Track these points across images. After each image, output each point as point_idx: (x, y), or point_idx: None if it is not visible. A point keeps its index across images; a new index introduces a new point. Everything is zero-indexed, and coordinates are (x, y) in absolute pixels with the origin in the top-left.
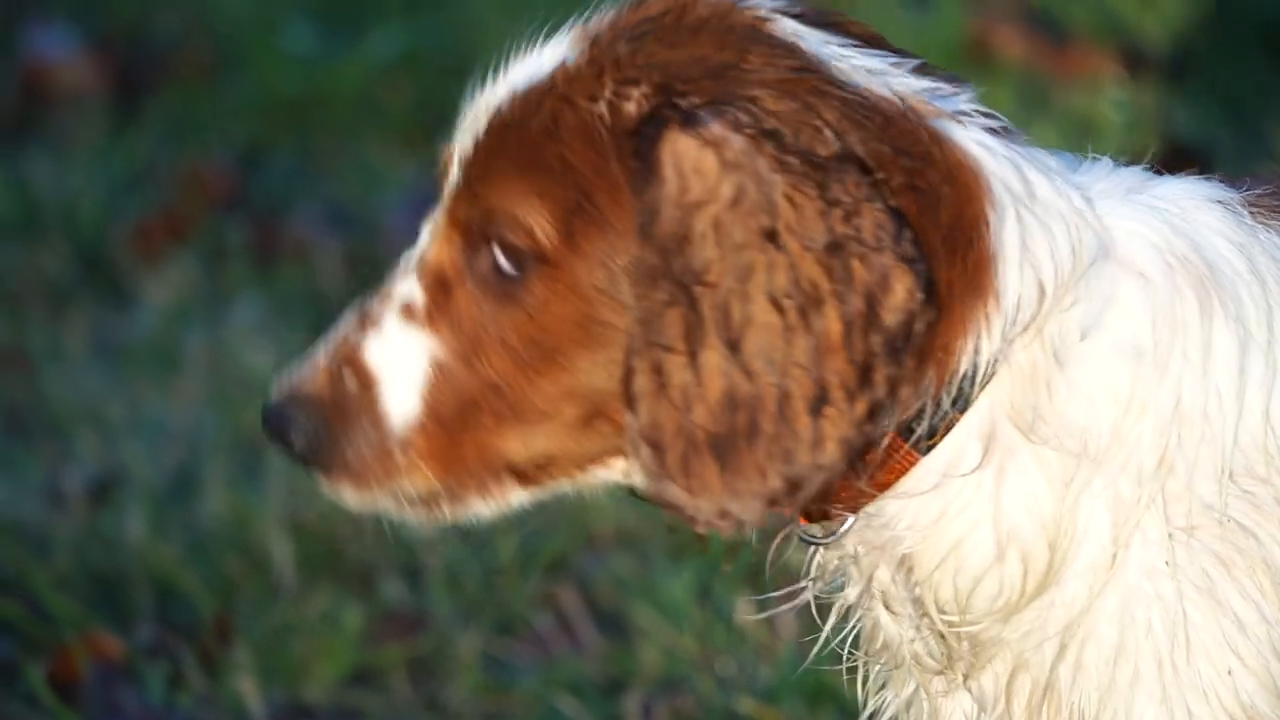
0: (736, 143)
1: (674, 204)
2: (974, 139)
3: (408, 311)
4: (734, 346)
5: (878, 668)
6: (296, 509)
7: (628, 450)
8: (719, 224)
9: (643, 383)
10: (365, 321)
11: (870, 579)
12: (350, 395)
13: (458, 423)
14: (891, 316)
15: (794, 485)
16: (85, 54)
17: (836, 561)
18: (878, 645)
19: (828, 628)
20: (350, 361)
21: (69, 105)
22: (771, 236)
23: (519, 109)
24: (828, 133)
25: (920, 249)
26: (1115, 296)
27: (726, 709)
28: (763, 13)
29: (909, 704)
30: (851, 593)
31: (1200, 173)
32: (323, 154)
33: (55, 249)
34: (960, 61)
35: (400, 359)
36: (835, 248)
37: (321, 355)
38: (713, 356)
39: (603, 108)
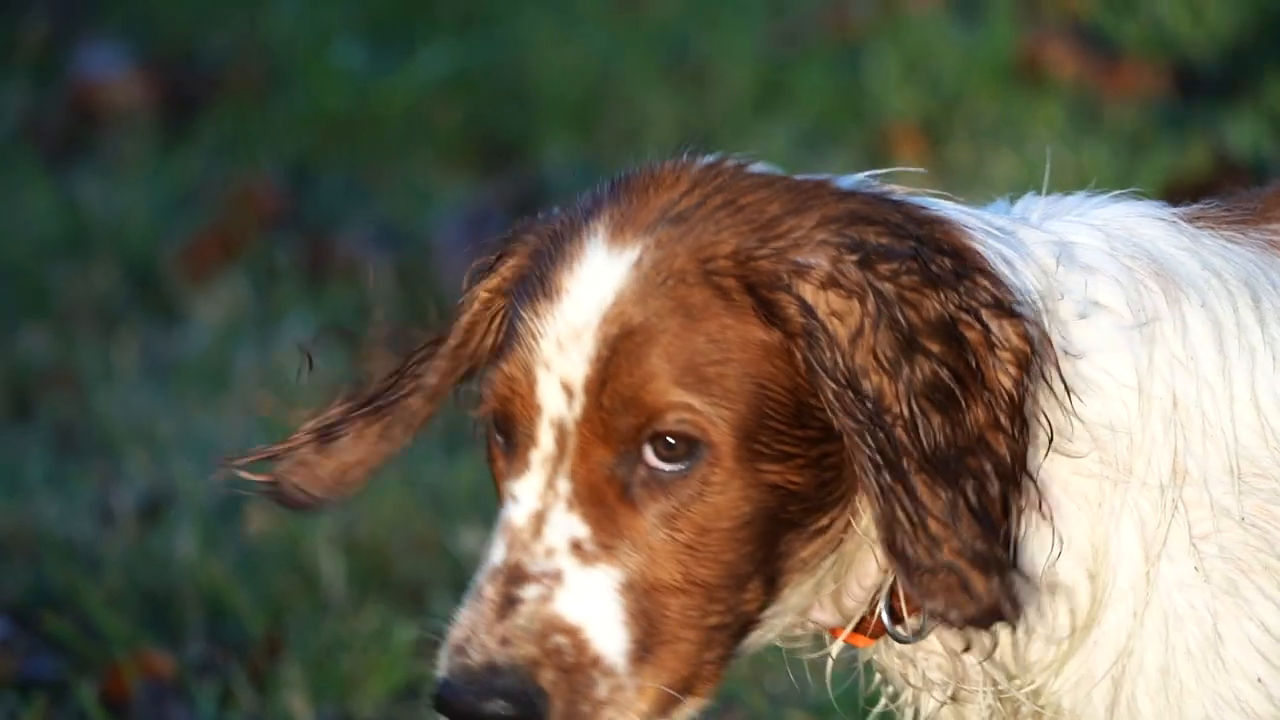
0: (851, 272)
1: (835, 352)
2: (949, 207)
3: (578, 550)
4: (926, 457)
5: None
6: (347, 526)
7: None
8: (871, 351)
9: (885, 514)
10: (543, 580)
11: (921, 667)
12: (565, 652)
13: (658, 635)
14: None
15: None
16: (135, 72)
17: (897, 660)
18: (924, 715)
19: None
20: (553, 624)
21: (119, 124)
22: (911, 342)
23: (634, 313)
24: (891, 233)
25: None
26: (1090, 288)
27: None
28: (755, 165)
29: None
30: (899, 690)
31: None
32: (373, 171)
33: (105, 267)
34: (1011, 79)
35: (595, 601)
36: (954, 323)
37: (493, 627)
38: (919, 477)
39: (727, 281)
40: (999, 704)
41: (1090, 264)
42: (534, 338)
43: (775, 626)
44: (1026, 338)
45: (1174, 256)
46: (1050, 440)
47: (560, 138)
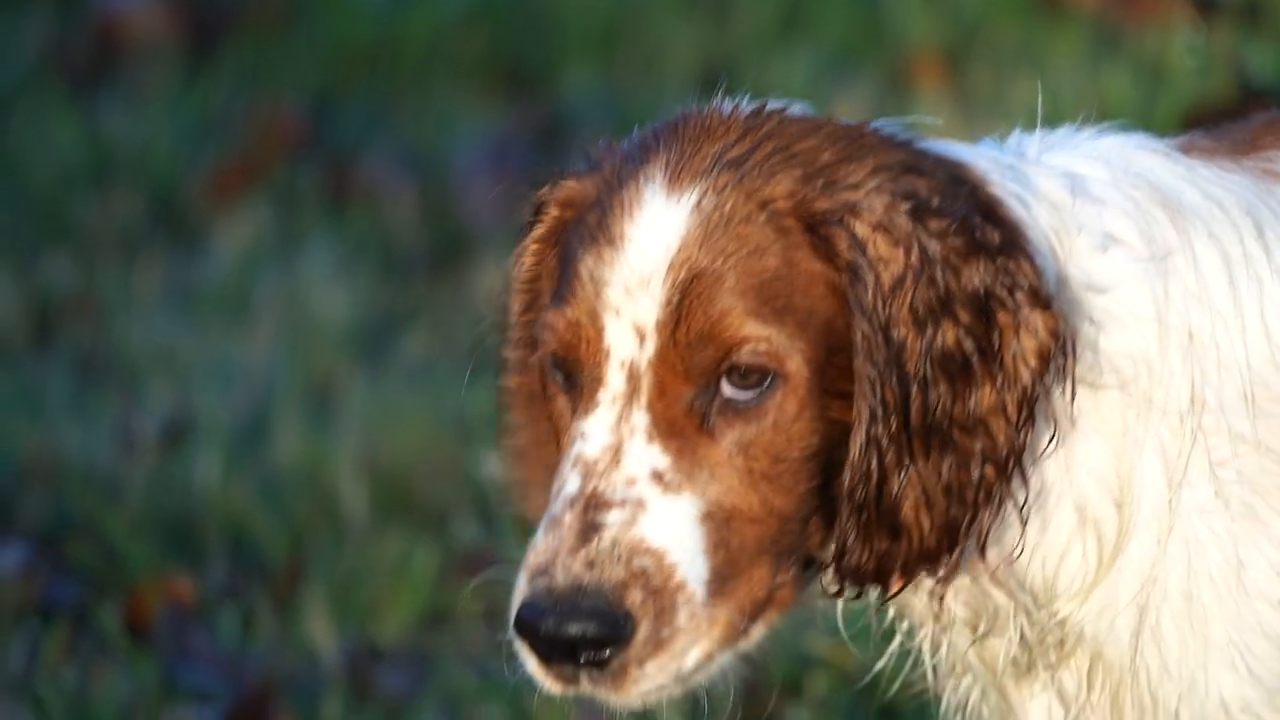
0: (901, 220)
1: (875, 296)
2: (962, 150)
3: (660, 480)
4: (923, 421)
5: (944, 666)
6: (368, 451)
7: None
8: (907, 304)
9: (859, 461)
10: (625, 506)
11: (949, 604)
12: (651, 575)
13: (736, 564)
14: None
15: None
16: (158, 2)
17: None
18: (942, 653)
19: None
20: (638, 547)
21: (142, 54)
22: (944, 305)
23: (701, 256)
24: (942, 191)
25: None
26: (1105, 222)
27: (797, 650)
28: (795, 107)
29: (983, 695)
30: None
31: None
32: (394, 99)
33: (128, 195)
34: (1031, 7)
35: (678, 528)
36: (988, 298)
37: (576, 551)
38: (912, 436)
39: (786, 221)
40: (1023, 639)
41: (1100, 196)
42: (598, 284)
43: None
44: (1055, 333)
45: (1175, 187)
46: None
47: (581, 66)
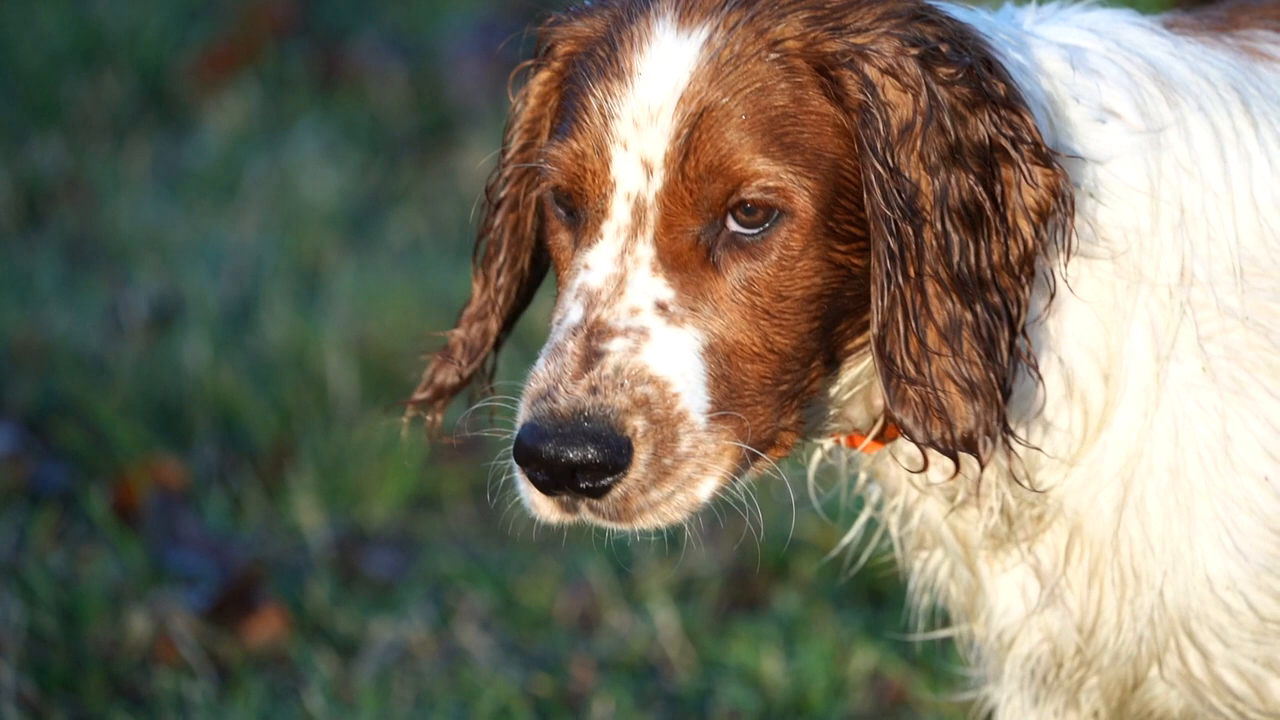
0: (910, 66)
1: (886, 138)
2: (963, 13)
3: (664, 311)
4: (947, 269)
5: (913, 540)
6: (357, 333)
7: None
8: (917, 149)
9: (886, 310)
10: (629, 334)
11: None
12: (653, 403)
13: (738, 399)
14: (1038, 211)
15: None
16: None
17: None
18: (913, 524)
19: (862, 519)
20: (641, 374)
21: None
22: (955, 152)
23: (711, 91)
24: (950, 40)
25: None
26: (1101, 93)
27: (782, 534)
28: None
29: (952, 572)
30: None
31: None
32: None
33: (117, 79)
34: None
35: (681, 359)
36: (992, 149)
37: (579, 377)
38: (933, 284)
39: (796, 61)
40: (1003, 510)
41: (1097, 69)
42: (606, 117)
43: (826, 412)
44: (1054, 190)
45: (1166, 62)
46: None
47: None
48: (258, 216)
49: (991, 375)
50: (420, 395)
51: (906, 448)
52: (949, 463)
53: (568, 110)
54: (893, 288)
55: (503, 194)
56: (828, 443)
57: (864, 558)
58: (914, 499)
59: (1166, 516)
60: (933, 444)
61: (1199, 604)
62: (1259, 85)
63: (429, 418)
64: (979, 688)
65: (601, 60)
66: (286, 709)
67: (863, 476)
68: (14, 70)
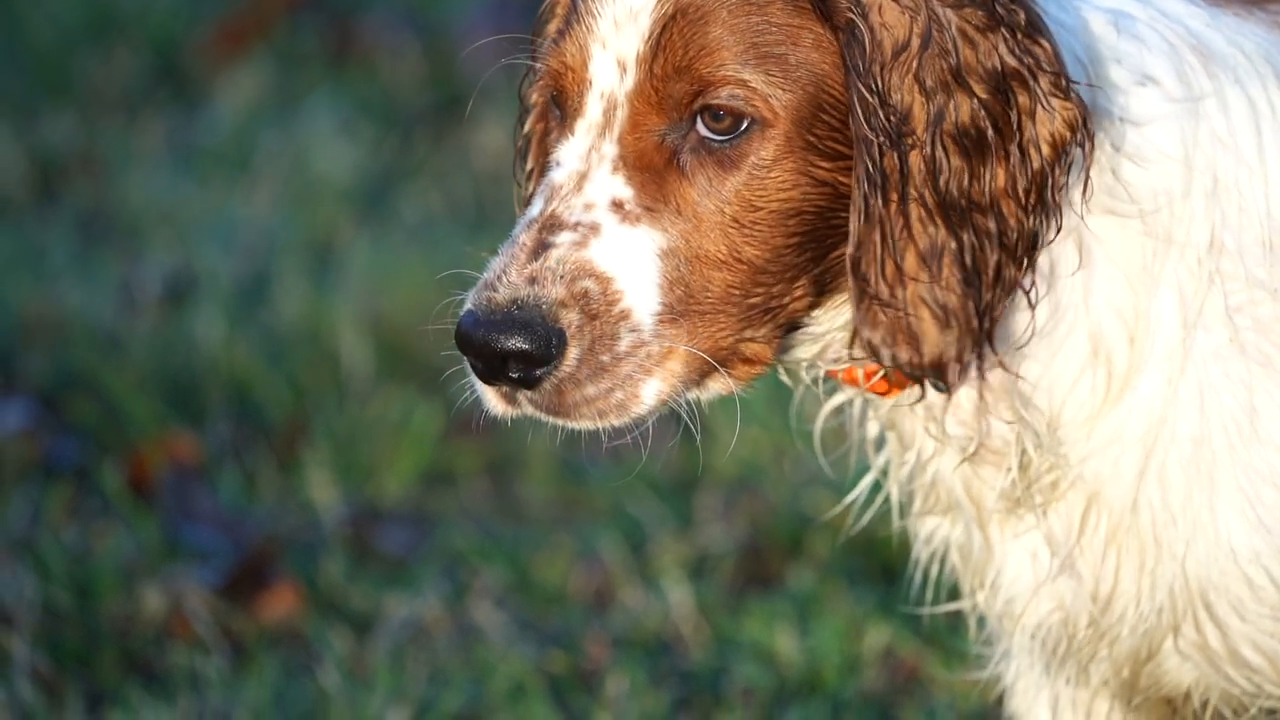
0: None
1: (873, 59)
2: None
3: (619, 209)
4: (934, 194)
5: (920, 501)
6: (370, 309)
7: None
8: (912, 71)
9: (863, 231)
10: (578, 229)
11: (942, 420)
12: (592, 298)
13: (695, 305)
14: (1056, 144)
15: (983, 322)
16: None
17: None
18: (926, 480)
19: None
20: (583, 269)
21: None
22: (956, 76)
23: None
24: None
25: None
26: (1144, 58)
27: (797, 510)
28: None
29: (960, 542)
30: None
31: None
32: None
33: (130, 53)
34: None
35: (631, 257)
36: (1006, 77)
37: (523, 268)
38: (916, 208)
39: None
40: (1020, 470)
41: (1139, 35)
42: (592, 17)
43: (821, 338)
44: (1072, 123)
45: (1203, 32)
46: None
47: None
48: (271, 192)
49: (970, 303)
50: None
51: (928, 397)
52: (965, 414)
53: (566, 15)
54: (870, 209)
55: (532, 101)
56: (839, 396)
57: (867, 517)
58: (929, 453)
59: (1189, 486)
60: (898, 366)
61: (1220, 576)
62: None
63: None
64: (992, 665)
65: None
66: (300, 685)
67: (873, 430)
68: (26, 45)
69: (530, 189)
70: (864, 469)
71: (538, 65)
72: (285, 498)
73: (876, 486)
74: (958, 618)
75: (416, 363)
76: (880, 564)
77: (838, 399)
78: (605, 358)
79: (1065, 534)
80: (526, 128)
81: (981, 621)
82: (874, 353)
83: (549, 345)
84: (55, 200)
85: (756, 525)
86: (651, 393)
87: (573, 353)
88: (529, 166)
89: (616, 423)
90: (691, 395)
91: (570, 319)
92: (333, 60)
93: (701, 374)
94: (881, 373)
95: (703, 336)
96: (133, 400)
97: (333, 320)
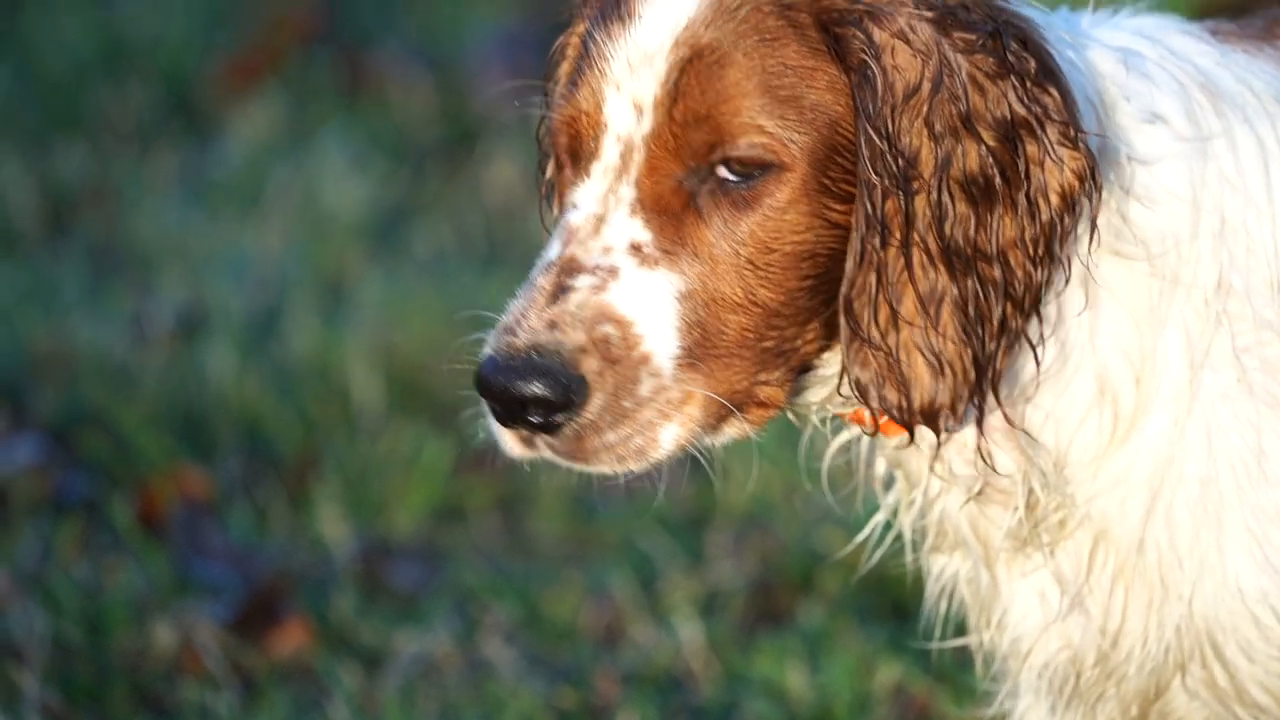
0: (923, 31)
1: (884, 102)
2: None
3: (637, 252)
4: (938, 241)
5: (930, 537)
6: (381, 344)
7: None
8: (922, 115)
9: (858, 273)
10: (597, 272)
11: (949, 460)
12: (612, 343)
13: (712, 348)
14: (1063, 195)
15: (982, 374)
16: None
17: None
18: (933, 518)
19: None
20: (603, 313)
21: None
22: (965, 122)
23: (707, 36)
24: (974, 6)
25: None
26: (1153, 97)
27: (808, 547)
28: None
29: (969, 579)
30: (918, 483)
31: None
32: None
33: (142, 85)
34: None
35: (650, 301)
36: (1015, 125)
37: (542, 312)
38: (918, 253)
39: (800, 15)
40: (1027, 510)
41: (1149, 74)
42: (605, 60)
43: (830, 381)
44: (1080, 174)
45: (1213, 71)
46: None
47: None
48: (282, 226)
49: (968, 351)
50: None
51: (930, 435)
52: (970, 453)
53: (579, 55)
54: (866, 251)
55: (548, 146)
56: (845, 434)
57: (877, 557)
58: (936, 492)
59: (1196, 527)
60: (886, 409)
61: (1228, 616)
62: None
63: None
64: (998, 702)
65: (610, 6)
66: None
67: (881, 468)
68: (38, 77)
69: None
70: (874, 507)
71: (552, 110)
72: (296, 533)
73: (887, 524)
74: (967, 654)
75: (427, 398)
76: (891, 601)
77: (844, 437)
78: (627, 403)
79: (1074, 572)
80: (548, 174)
81: (989, 657)
82: (863, 393)
83: (569, 391)
84: (66, 233)
85: (767, 562)
86: (670, 438)
87: (596, 399)
88: (555, 213)
89: (634, 468)
90: (708, 440)
91: (591, 365)
92: (345, 94)
93: (719, 418)
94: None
95: (719, 380)
96: (143, 435)
97: (343, 355)
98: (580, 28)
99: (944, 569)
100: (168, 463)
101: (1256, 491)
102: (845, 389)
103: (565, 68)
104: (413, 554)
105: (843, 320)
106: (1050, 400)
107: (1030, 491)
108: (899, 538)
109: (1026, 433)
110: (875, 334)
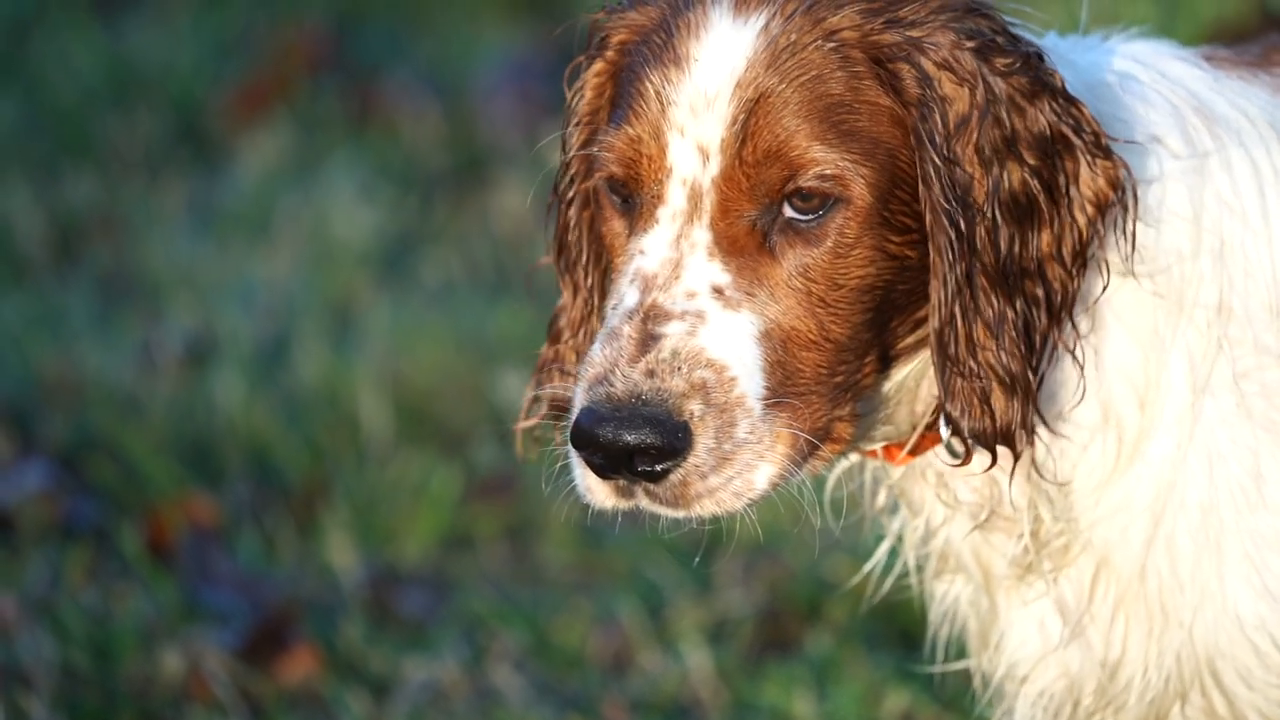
0: (967, 60)
1: (944, 132)
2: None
3: (720, 295)
4: (995, 263)
5: (934, 563)
6: (389, 372)
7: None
8: (973, 143)
9: (948, 303)
10: (685, 318)
11: (954, 488)
12: (710, 387)
13: (793, 387)
14: (1101, 201)
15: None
16: None
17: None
18: (935, 545)
19: (884, 546)
20: (698, 358)
21: None
22: (1010, 145)
23: (768, 78)
24: (1006, 33)
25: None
26: (1150, 119)
27: (815, 575)
28: None
29: (973, 601)
30: (921, 513)
31: None
32: (416, 19)
33: (150, 115)
34: None
35: (738, 343)
36: (1053, 141)
37: (636, 360)
38: (981, 278)
39: (852, 52)
40: (1033, 535)
41: (1144, 96)
42: (663, 103)
43: (878, 413)
44: (1114, 182)
45: (1207, 96)
46: (1108, 275)
47: None
48: (291, 254)
49: (1029, 369)
50: (541, 416)
51: (937, 463)
52: (976, 480)
53: (623, 98)
54: (954, 281)
55: (572, 192)
56: (845, 462)
57: (887, 585)
58: (939, 520)
59: (1197, 554)
60: (976, 436)
61: (1227, 643)
62: None
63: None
64: None
65: (658, 47)
66: None
67: (882, 498)
68: (48, 106)
69: (588, 278)
70: (881, 536)
71: (596, 153)
72: (304, 560)
73: (894, 552)
74: (971, 678)
75: (436, 426)
76: (899, 629)
77: (845, 464)
78: (727, 446)
79: (1076, 600)
80: (571, 219)
81: (986, 680)
82: (953, 423)
83: (676, 438)
84: (75, 261)
85: (775, 590)
86: (764, 477)
87: (702, 444)
88: (576, 255)
89: (733, 510)
90: (797, 477)
91: (692, 410)
92: (353, 123)
93: (804, 455)
94: (911, 445)
95: (804, 417)
96: (152, 462)
97: (352, 383)
98: (600, 67)
99: (947, 593)
100: (176, 490)
101: (1255, 517)
102: (942, 428)
103: (587, 108)
104: (421, 581)
105: (935, 353)
106: (1057, 396)
107: (1037, 518)
108: (906, 565)
109: (1065, 438)
110: (967, 361)
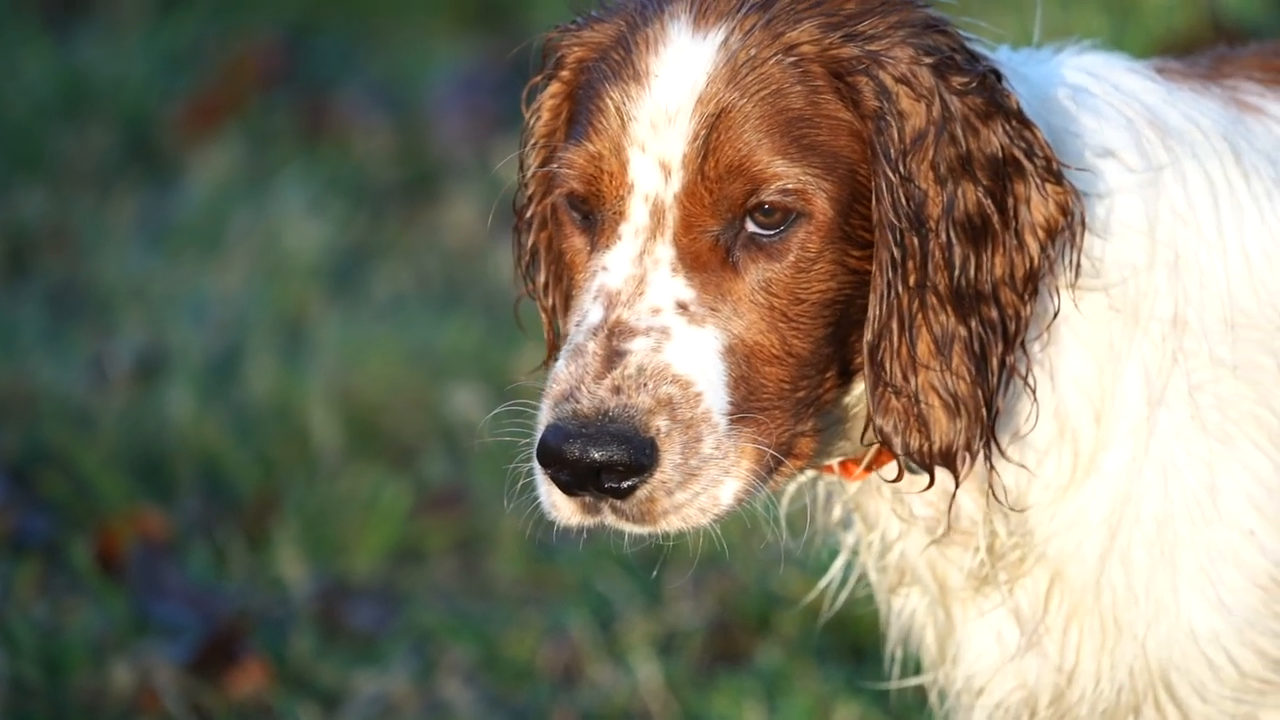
0: (925, 76)
1: (900, 146)
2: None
3: (684, 310)
4: (947, 282)
5: (890, 578)
6: (340, 386)
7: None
8: (928, 159)
9: (883, 318)
10: (650, 334)
11: (910, 503)
12: (676, 403)
13: (756, 402)
14: (1051, 227)
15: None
16: None
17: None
18: (891, 559)
19: (838, 564)
20: (664, 374)
21: None
22: (964, 164)
23: (728, 93)
24: (963, 50)
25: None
26: (1104, 132)
27: (765, 588)
28: None
29: (930, 613)
30: (874, 527)
31: None
32: (368, 34)
33: (102, 128)
34: None
35: (703, 359)
36: (1005, 164)
37: (601, 377)
38: (931, 296)
39: (812, 66)
40: (989, 549)
41: (1097, 109)
42: (624, 119)
43: (838, 428)
44: (1064, 206)
45: (1160, 108)
46: (1059, 300)
47: (553, 1)
48: (242, 268)
49: (979, 392)
50: None
51: (891, 476)
52: (932, 495)
53: (582, 115)
54: (891, 296)
55: (530, 212)
56: (802, 477)
57: (841, 599)
58: (895, 534)
59: (1151, 567)
60: (909, 455)
61: (1181, 657)
62: (1248, 137)
63: None
64: None
65: (616, 63)
66: None
67: (837, 512)
68: None
69: (549, 299)
70: (834, 550)
71: (556, 169)
72: (254, 573)
73: (848, 566)
74: (926, 693)
75: (386, 439)
76: (849, 642)
77: (800, 479)
78: (693, 462)
79: (1032, 610)
80: (530, 239)
81: (943, 694)
82: (886, 441)
83: (644, 454)
84: (26, 275)
85: (725, 603)
86: (730, 493)
87: (669, 460)
88: (542, 278)
89: (699, 525)
90: (760, 493)
91: (659, 426)
92: (304, 137)
93: (768, 471)
94: (868, 461)
95: (768, 433)
96: (103, 476)
97: (303, 396)
98: (555, 88)
99: (903, 608)
100: (127, 503)
101: (1210, 530)
102: (869, 437)
103: (544, 129)
104: (371, 594)
105: (867, 366)
106: (1011, 422)
107: (992, 532)
108: (860, 580)
109: (1025, 467)
110: (898, 377)
